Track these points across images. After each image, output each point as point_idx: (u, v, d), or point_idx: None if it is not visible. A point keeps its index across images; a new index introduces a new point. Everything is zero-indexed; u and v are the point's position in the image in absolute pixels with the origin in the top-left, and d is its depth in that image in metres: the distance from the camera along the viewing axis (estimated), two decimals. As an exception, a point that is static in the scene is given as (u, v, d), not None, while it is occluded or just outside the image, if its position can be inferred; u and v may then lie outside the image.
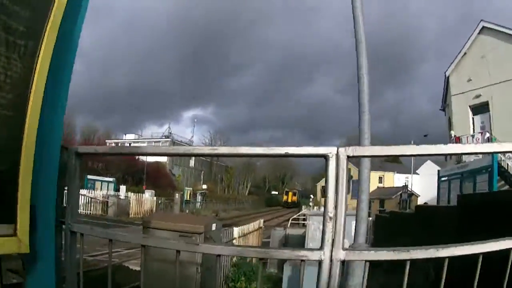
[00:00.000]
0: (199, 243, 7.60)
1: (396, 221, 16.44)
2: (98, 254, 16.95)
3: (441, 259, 2.27)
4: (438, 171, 30.45)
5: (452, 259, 2.25)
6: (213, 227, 9.22)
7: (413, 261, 2.20)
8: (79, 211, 30.73)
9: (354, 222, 14.42)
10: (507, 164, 23.34)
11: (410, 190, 58.76)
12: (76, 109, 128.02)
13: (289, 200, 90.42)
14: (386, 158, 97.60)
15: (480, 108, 29.23)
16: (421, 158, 78.95)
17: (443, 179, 27.69)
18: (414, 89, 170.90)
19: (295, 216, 27.21)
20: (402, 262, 2.28)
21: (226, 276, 13.22)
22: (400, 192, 54.87)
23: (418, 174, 76.04)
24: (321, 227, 7.14)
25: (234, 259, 14.17)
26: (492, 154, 21.00)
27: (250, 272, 13.13)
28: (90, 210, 40.78)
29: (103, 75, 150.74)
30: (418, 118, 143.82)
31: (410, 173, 66.51)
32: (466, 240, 2.30)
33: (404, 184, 58.38)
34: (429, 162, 78.99)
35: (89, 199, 41.25)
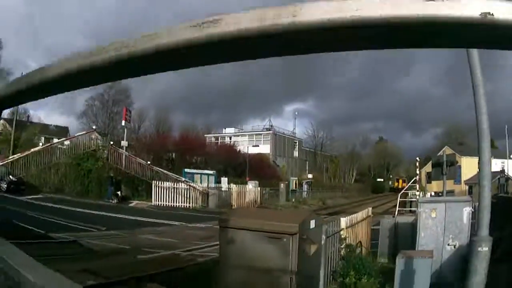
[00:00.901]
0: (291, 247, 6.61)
1: (504, 207, 15.06)
2: (195, 249, 16.64)
3: None
4: None
5: None
6: (312, 224, 7.51)
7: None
8: (174, 204, 33.94)
9: (467, 209, 13.16)
10: None
11: (506, 174, 55.82)
12: (173, 107, 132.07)
13: (400, 186, 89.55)
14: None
15: None
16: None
17: None
18: (503, 80, 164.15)
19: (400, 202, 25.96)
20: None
21: (334, 271, 12.26)
22: (498, 177, 52.43)
23: (512, 158, 71.73)
24: (432, 214, 9.81)
25: (343, 251, 13.35)
26: None
27: (360, 265, 12.03)
28: (189, 203, 40.44)
29: (202, 75, 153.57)
30: (510, 106, 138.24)
31: (505, 158, 63.12)
32: None
33: (501, 169, 55.65)
34: (525, 146, 75.47)
35: (187, 190, 41.03)
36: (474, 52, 6.05)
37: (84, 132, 47.57)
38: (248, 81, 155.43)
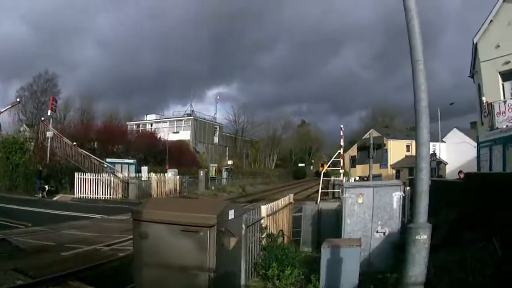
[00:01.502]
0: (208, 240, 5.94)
1: (439, 191, 14.93)
2: (116, 243, 16.74)
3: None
4: (477, 136, 29.86)
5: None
6: (231, 214, 6.65)
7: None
8: (97, 196, 32.77)
9: (397, 194, 12.79)
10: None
11: (438, 158, 57.26)
12: (98, 95, 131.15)
13: (325, 171, 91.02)
14: (412, 126, 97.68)
15: (510, 75, 28.56)
16: (448, 126, 77.93)
17: (482, 145, 27.34)
18: (436, 63, 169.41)
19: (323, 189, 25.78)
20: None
21: (255, 263, 11.65)
22: (429, 160, 53.72)
23: (444, 142, 73.73)
24: (359, 200, 8.87)
25: (264, 241, 12.78)
26: None
27: (283, 256, 11.52)
28: (111, 195, 40.22)
29: (126, 60, 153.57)
30: (442, 89, 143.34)
31: (437, 142, 64.34)
32: None
33: (432, 152, 56.69)
34: (455, 130, 78.66)
35: (108, 182, 40.66)
36: (416, 23, 5.76)
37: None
38: (171, 66, 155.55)
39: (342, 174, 28.79)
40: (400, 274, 6.81)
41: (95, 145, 51.55)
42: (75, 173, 39.73)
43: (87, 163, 42.26)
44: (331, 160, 30.72)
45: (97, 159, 43.60)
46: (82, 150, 43.87)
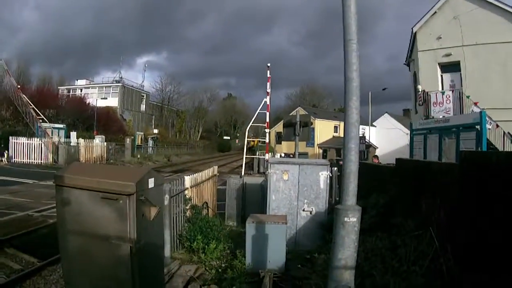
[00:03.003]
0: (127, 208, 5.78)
1: (369, 175, 15.01)
2: (46, 209, 16.91)
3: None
4: (411, 123, 30.14)
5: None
6: (150, 183, 6.19)
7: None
8: (30, 161, 33.57)
9: (324, 173, 12.89)
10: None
11: (368, 141, 57.65)
12: (33, 58, 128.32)
13: (255, 146, 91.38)
14: (340, 108, 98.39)
15: (451, 67, 29.29)
16: (379, 111, 78.65)
17: (416, 133, 27.41)
18: (372, 47, 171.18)
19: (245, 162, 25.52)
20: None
21: (180, 235, 11.70)
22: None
23: (375, 126, 74.76)
24: (284, 177, 9.48)
25: (188, 213, 12.72)
26: (481, 111, 20.97)
27: (207, 229, 11.66)
28: (41, 160, 40.38)
29: (61, 24, 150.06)
30: (376, 74, 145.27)
31: (367, 125, 65.01)
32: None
33: (361, 135, 57.28)
34: (386, 115, 79.32)
35: (40, 147, 40.69)
36: (352, 1, 5.71)
37: None
38: (103, 32, 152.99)
39: (267, 156, 28.53)
40: (328, 255, 6.81)
41: (29, 109, 50.44)
42: (9, 138, 39.76)
43: (20, 127, 42.68)
44: (250, 141, 30.18)
45: (30, 123, 43.78)
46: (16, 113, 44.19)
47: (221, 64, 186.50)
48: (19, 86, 45.51)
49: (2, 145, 40.36)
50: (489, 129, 21.48)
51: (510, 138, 22.61)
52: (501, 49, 26.28)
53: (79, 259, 6.01)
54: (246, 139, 26.98)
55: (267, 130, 26.16)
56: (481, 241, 5.81)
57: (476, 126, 20.83)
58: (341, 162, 12.46)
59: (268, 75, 25.34)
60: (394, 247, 8.46)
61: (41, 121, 44.41)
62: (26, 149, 39.67)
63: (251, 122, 26.76)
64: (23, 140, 39.91)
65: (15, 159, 38.77)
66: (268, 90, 25.10)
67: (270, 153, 32.84)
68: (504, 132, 22.69)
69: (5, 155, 38.73)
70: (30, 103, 45.77)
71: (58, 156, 40.73)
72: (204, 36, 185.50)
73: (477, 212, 5.99)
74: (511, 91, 25.59)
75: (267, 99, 24.76)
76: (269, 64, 26.04)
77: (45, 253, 10.18)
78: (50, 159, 40.42)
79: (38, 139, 41.00)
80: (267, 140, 27.23)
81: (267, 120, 24.94)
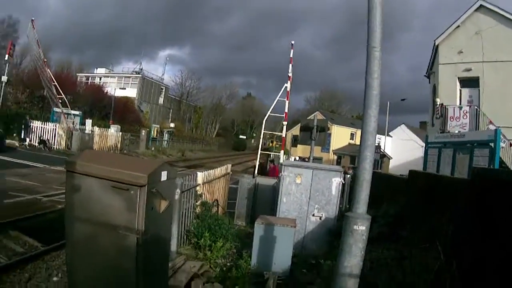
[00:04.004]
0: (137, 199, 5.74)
1: (382, 185, 14.94)
2: (55, 194, 16.74)
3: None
4: (427, 136, 30.02)
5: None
6: (163, 176, 6.13)
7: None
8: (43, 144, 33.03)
9: (337, 180, 12.82)
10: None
11: (382, 151, 57.37)
12: (53, 44, 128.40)
13: (273, 146, 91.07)
14: (358, 115, 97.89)
15: (470, 82, 28.98)
16: (396, 121, 78.28)
17: (431, 146, 27.37)
18: (395, 57, 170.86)
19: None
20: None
21: (188, 230, 11.65)
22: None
23: (391, 136, 74.34)
24: (297, 180, 9.19)
25: (198, 209, 12.71)
26: (497, 129, 21.10)
27: (216, 226, 11.60)
28: (55, 145, 40.18)
29: (85, 12, 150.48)
30: (396, 84, 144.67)
31: (383, 135, 64.66)
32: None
33: (377, 144, 56.92)
34: (403, 126, 78.73)
35: (54, 132, 40.52)
36: (378, 10, 5.66)
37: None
38: (128, 22, 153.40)
39: (282, 152, 28.17)
40: (334, 262, 6.76)
41: (45, 93, 50.56)
42: (23, 120, 39.88)
43: (35, 111, 42.59)
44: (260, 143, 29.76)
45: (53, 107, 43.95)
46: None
47: (243, 62, 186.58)
48: (45, 60, 45.35)
49: (12, 126, 40.53)
50: (502, 147, 21.34)
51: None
52: (520, 68, 25.93)
53: (84, 247, 5.90)
54: (262, 131, 26.76)
55: (284, 123, 25.87)
56: (487, 260, 5.75)
57: (490, 144, 20.77)
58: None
59: (291, 56, 25.09)
60: (400, 258, 8.41)
61: (60, 101, 44.45)
62: (40, 133, 39.60)
63: (269, 112, 26.38)
64: (37, 124, 39.87)
65: (28, 142, 38.75)
66: (290, 74, 24.81)
67: (285, 155, 32.50)
68: (516, 151, 22.36)
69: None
70: (54, 79, 45.62)
71: (71, 143, 40.58)
72: (229, 33, 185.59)
73: (485, 230, 5.93)
74: (527, 111, 25.22)
75: (288, 85, 24.50)
76: (293, 42, 25.81)
77: (50, 238, 10.15)
78: (63, 145, 40.34)
79: (53, 124, 40.96)
80: (283, 135, 26.98)
81: (286, 110, 24.68)
